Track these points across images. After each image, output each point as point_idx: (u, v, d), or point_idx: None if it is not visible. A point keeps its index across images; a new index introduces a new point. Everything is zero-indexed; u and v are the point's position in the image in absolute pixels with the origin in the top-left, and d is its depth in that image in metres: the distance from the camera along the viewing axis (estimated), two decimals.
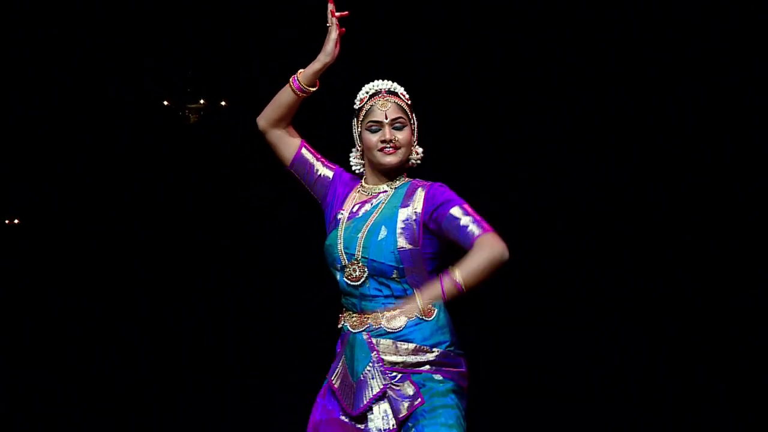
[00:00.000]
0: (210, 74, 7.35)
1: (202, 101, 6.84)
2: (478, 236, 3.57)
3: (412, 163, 3.84)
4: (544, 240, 7.39)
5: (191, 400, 7.38)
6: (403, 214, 3.68)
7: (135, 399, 7.34)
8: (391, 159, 3.74)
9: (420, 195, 3.72)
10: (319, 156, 3.96)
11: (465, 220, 3.61)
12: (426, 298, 3.59)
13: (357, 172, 3.90)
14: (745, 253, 7.21)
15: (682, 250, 7.29)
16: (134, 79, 7.29)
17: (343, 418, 3.69)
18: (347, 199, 3.83)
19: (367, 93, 3.86)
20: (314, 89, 3.87)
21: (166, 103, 6.95)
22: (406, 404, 3.60)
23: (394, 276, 3.65)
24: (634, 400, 7.28)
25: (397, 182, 3.78)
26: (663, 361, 7.28)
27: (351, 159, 3.91)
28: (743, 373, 7.18)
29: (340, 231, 3.74)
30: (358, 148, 3.88)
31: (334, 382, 3.74)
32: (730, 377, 7.20)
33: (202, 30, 7.30)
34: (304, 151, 3.96)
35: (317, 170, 3.94)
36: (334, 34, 3.86)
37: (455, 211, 3.65)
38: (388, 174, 3.79)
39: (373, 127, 3.77)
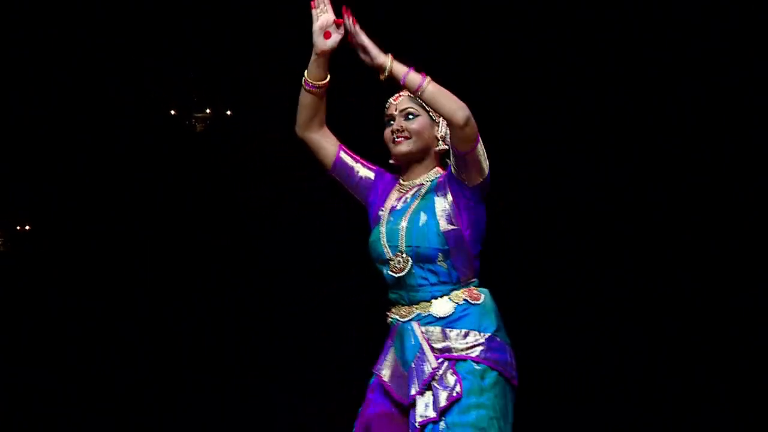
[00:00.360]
0: (211, 75, 7.35)
1: (208, 110, 6.84)
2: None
3: (439, 151, 3.88)
4: (544, 240, 7.40)
5: (191, 400, 7.38)
6: (440, 199, 3.76)
7: (135, 399, 7.34)
8: (401, 148, 3.80)
9: (445, 180, 3.79)
10: (359, 158, 3.99)
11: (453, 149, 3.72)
12: (381, 59, 3.67)
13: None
14: (745, 253, 7.22)
15: (682, 250, 7.29)
16: (134, 79, 7.29)
17: (393, 410, 3.74)
18: (388, 197, 3.88)
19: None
20: (323, 83, 3.86)
21: (173, 112, 6.97)
22: (445, 395, 3.63)
23: (439, 260, 3.71)
24: (634, 400, 7.28)
25: (433, 175, 3.84)
26: (663, 361, 7.28)
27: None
28: (743, 373, 7.19)
29: (382, 226, 3.79)
30: None
31: (383, 374, 3.76)
32: (730, 377, 7.21)
33: (202, 30, 7.31)
34: (342, 154, 3.97)
35: (358, 172, 3.96)
36: (315, 25, 3.86)
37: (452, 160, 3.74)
38: (408, 164, 3.85)
39: (388, 121, 3.86)
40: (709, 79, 7.11)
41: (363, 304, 7.18)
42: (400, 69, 3.65)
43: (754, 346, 7.18)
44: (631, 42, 7.14)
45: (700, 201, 7.23)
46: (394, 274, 3.73)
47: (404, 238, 3.73)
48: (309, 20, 7.21)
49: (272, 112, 7.44)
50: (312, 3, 3.86)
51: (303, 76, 3.86)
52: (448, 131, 3.77)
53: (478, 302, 3.75)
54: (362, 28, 3.85)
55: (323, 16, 3.86)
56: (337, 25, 3.82)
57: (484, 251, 3.97)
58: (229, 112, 7.05)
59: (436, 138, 3.87)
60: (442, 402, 3.62)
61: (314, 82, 3.84)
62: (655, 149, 7.16)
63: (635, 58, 7.19)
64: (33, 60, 7.20)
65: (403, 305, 3.75)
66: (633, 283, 7.33)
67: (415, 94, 3.64)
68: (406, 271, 3.70)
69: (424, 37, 7.20)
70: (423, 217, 3.73)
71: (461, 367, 3.66)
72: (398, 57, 3.81)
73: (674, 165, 7.14)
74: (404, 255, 3.72)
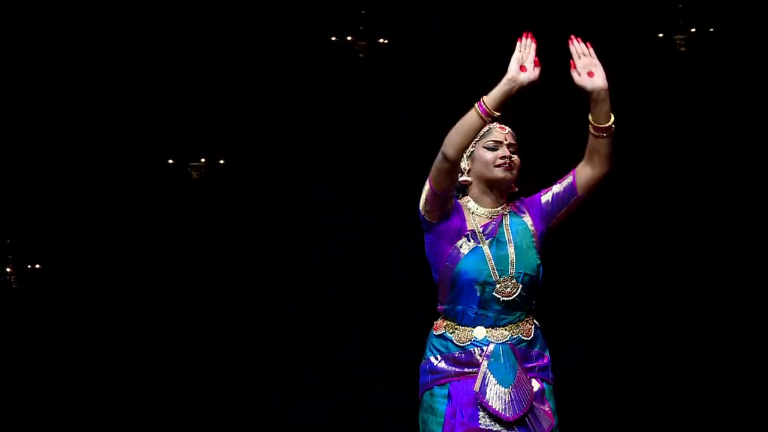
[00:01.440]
0: (211, 74, 7.35)
1: (203, 159, 7.08)
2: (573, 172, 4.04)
3: (512, 189, 4.11)
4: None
5: (192, 400, 7.38)
6: (531, 231, 4.03)
7: (135, 399, 7.34)
8: (507, 174, 4.00)
9: (525, 210, 4.07)
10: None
11: (556, 188, 4.08)
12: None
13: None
14: (750, 253, 7.20)
15: (686, 250, 7.28)
16: (134, 79, 7.29)
17: (483, 427, 3.91)
18: (466, 221, 4.01)
19: None
20: (498, 114, 3.93)
21: (170, 161, 7.07)
22: (546, 422, 3.95)
23: (535, 290, 4.01)
24: (636, 400, 7.27)
25: (507, 206, 4.06)
26: (667, 361, 7.27)
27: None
28: (748, 373, 7.18)
29: (486, 250, 3.96)
30: (464, 169, 4.05)
31: (482, 394, 3.90)
32: (734, 377, 7.19)
33: (202, 30, 7.31)
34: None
35: (455, 226, 4.04)
36: (516, 54, 3.95)
37: (545, 194, 4.08)
38: (500, 192, 4.05)
39: (492, 146, 4.01)
40: (714, 79, 7.10)
41: (364, 304, 7.19)
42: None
43: (758, 345, 7.17)
44: (632, 41, 7.13)
45: (704, 201, 7.21)
46: (501, 297, 3.93)
47: (514, 265, 3.94)
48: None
49: (272, 112, 7.45)
50: (527, 34, 3.98)
51: (479, 99, 3.91)
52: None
53: (538, 323, 4.06)
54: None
55: (526, 51, 3.96)
56: (535, 65, 3.95)
57: None
58: (221, 161, 7.14)
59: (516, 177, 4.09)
60: (549, 422, 3.96)
61: (492, 111, 3.88)
62: (655, 149, 7.15)
63: (635, 58, 7.18)
64: (33, 60, 7.21)
65: (488, 326, 3.96)
66: (636, 283, 7.32)
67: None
68: (514, 295, 3.94)
69: None
70: (527, 249, 3.98)
71: (545, 387, 4.02)
72: None
73: (677, 165, 7.13)
74: (513, 280, 3.94)
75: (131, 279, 7.39)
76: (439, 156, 3.91)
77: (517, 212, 4.05)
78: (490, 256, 3.94)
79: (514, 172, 4.03)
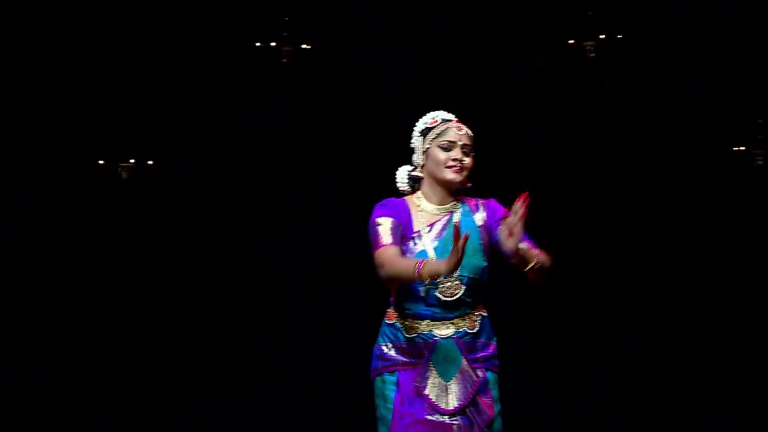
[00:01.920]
0: (211, 74, 7.35)
1: (132, 160, 7.12)
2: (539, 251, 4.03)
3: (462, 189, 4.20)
4: (543, 240, 7.37)
5: (192, 400, 7.37)
6: (480, 232, 4.10)
7: (135, 399, 7.33)
8: (455, 176, 4.09)
9: (482, 205, 4.17)
10: (388, 229, 4.10)
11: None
12: (523, 250, 3.95)
13: (402, 188, 4.20)
14: (745, 253, 7.22)
15: (682, 250, 7.29)
16: (134, 79, 7.29)
17: (429, 417, 4.01)
18: (413, 222, 4.10)
19: (436, 117, 4.18)
20: (428, 282, 4.00)
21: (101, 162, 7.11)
22: (488, 410, 4.06)
23: (482, 289, 4.10)
24: (631, 399, 7.28)
25: (458, 203, 4.15)
26: (663, 361, 7.28)
27: (400, 173, 4.21)
28: (743, 373, 7.19)
29: (430, 252, 4.03)
30: (418, 164, 4.16)
31: (422, 386, 4.03)
32: (730, 377, 7.21)
33: (202, 30, 7.31)
34: (397, 239, 4.10)
35: (395, 227, 4.10)
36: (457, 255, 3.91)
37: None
38: (449, 192, 4.13)
39: (446, 146, 4.09)
40: (709, 79, 7.12)
41: (363, 304, 7.17)
42: (535, 258, 4.04)
43: (754, 346, 7.19)
44: (632, 41, 7.15)
45: (700, 201, 7.23)
46: (443, 297, 4.02)
47: (459, 268, 3.96)
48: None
49: (272, 112, 7.45)
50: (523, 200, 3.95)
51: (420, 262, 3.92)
52: None
53: (486, 314, 4.15)
54: None
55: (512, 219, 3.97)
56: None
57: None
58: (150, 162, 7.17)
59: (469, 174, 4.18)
60: (491, 412, 4.06)
61: (426, 278, 3.92)
62: (655, 149, 7.16)
63: (635, 58, 7.19)
64: (33, 60, 7.20)
65: (436, 321, 4.05)
66: (633, 283, 7.33)
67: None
68: (457, 296, 4.05)
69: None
70: (472, 250, 4.01)
71: (489, 376, 4.11)
72: None
73: (674, 165, 7.14)
74: (456, 282, 4.03)
75: (131, 279, 7.39)
76: (379, 272, 4.02)
77: (472, 211, 4.15)
78: (434, 258, 3.99)
79: (464, 173, 4.11)
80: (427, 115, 4.21)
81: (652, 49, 7.16)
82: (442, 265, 3.85)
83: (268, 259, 7.36)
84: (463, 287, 4.04)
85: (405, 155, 7.05)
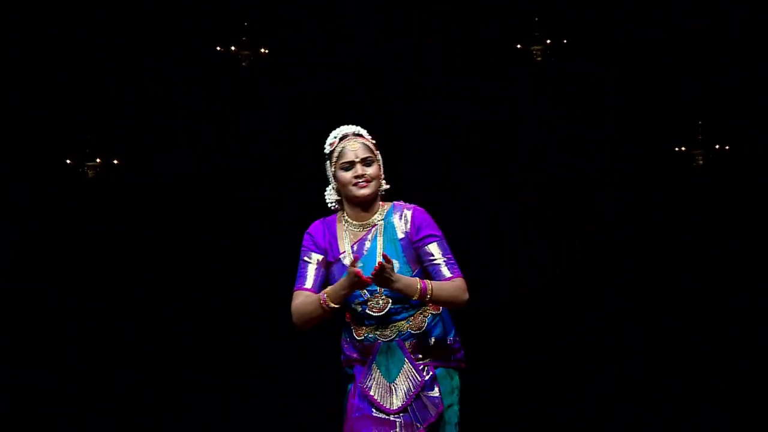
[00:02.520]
0: (211, 73, 7.34)
1: (98, 160, 7.12)
2: (450, 278, 4.17)
3: (381, 194, 4.31)
4: (543, 239, 7.39)
5: (191, 400, 7.37)
6: (403, 243, 4.20)
7: (135, 399, 7.33)
8: (364, 191, 4.21)
9: (408, 216, 4.25)
10: (309, 267, 4.30)
11: (439, 260, 4.20)
12: (403, 284, 4.09)
13: (331, 206, 4.35)
14: (745, 253, 7.22)
15: (682, 250, 7.29)
16: (134, 79, 7.29)
17: (375, 414, 4.15)
18: (339, 242, 4.26)
19: (336, 137, 4.29)
20: (338, 306, 4.17)
21: (68, 161, 7.10)
22: (433, 408, 4.16)
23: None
24: (634, 400, 7.28)
25: (382, 212, 4.27)
26: (663, 361, 7.28)
27: (326, 194, 4.35)
28: (743, 373, 7.19)
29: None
30: (333, 185, 4.31)
31: (367, 386, 4.18)
32: (730, 377, 7.21)
33: (202, 30, 7.31)
34: (319, 283, 4.28)
35: (323, 265, 4.29)
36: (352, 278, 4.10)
37: (433, 248, 4.21)
38: (365, 205, 4.25)
39: (347, 166, 4.22)
40: (709, 79, 7.12)
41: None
42: (411, 288, 4.11)
43: (754, 346, 7.19)
44: (633, 42, 7.15)
45: (700, 201, 7.23)
46: (373, 313, 4.16)
47: None
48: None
49: (272, 111, 7.45)
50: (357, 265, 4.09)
51: (323, 295, 4.15)
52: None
53: (439, 311, 4.24)
54: None
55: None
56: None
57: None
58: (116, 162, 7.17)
59: (383, 184, 4.30)
60: (435, 409, 4.16)
61: (334, 306, 4.15)
62: (655, 149, 7.16)
63: (635, 58, 7.19)
64: (33, 60, 7.20)
65: (380, 327, 4.19)
66: (633, 283, 7.33)
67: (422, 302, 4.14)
68: (386, 310, 4.17)
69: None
70: (396, 265, 4.13)
71: (437, 371, 4.21)
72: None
73: (675, 165, 7.13)
74: (383, 296, 4.17)
75: (131, 279, 7.39)
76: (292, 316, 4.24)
77: (397, 221, 4.25)
78: (342, 282, 4.12)
79: (373, 183, 4.23)
80: (330, 136, 4.33)
81: (650, 49, 7.16)
82: (342, 286, 4.09)
83: (269, 259, 7.36)
84: (390, 300, 4.15)
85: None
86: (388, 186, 4.30)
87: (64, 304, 7.29)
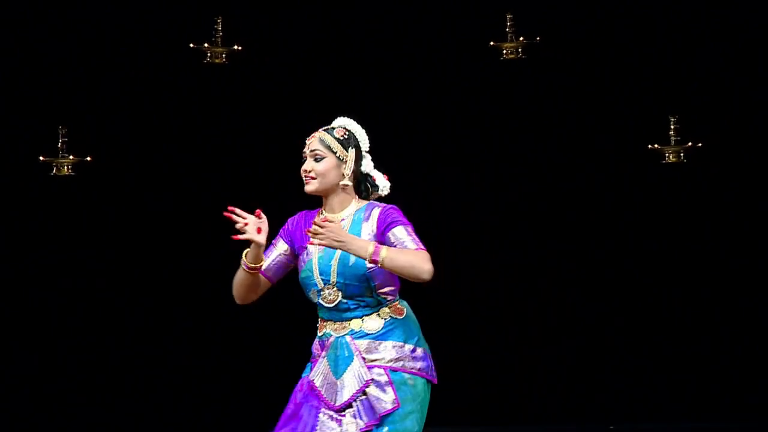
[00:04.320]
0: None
1: (71, 157, 7.12)
2: (414, 249, 4.09)
3: (344, 186, 4.24)
4: (541, 239, 7.40)
5: (191, 400, 7.38)
6: (365, 236, 4.14)
7: (135, 399, 7.35)
8: (308, 187, 4.19)
9: (375, 215, 4.19)
10: (272, 247, 4.27)
11: (404, 239, 4.11)
12: (353, 245, 4.01)
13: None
14: (745, 253, 7.22)
15: (681, 250, 7.29)
16: (134, 78, 7.32)
17: (323, 409, 4.12)
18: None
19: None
20: (258, 265, 4.17)
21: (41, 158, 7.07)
22: (386, 403, 4.09)
23: (366, 294, 4.14)
24: (634, 400, 7.29)
25: (356, 207, 4.23)
26: (662, 363, 7.29)
27: None
28: (743, 374, 7.19)
29: (314, 260, 4.16)
30: None
31: (315, 380, 4.16)
32: (729, 378, 7.21)
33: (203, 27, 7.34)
34: (272, 269, 4.26)
35: (286, 254, 4.27)
36: (248, 229, 4.11)
37: (398, 230, 4.14)
38: (332, 198, 4.22)
39: (303, 160, 4.22)
40: (709, 80, 7.13)
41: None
42: (359, 248, 4.04)
43: (754, 346, 7.19)
44: (635, 43, 7.16)
45: (700, 205, 7.22)
46: (325, 304, 4.15)
47: (335, 274, 4.13)
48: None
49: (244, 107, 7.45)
50: (228, 215, 4.11)
51: (242, 257, 4.14)
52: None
53: (401, 317, 4.19)
54: None
55: (248, 222, 4.12)
56: (259, 217, 4.13)
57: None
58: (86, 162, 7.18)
59: (343, 175, 4.22)
60: (386, 407, 4.08)
61: (253, 265, 4.15)
62: (654, 149, 7.16)
63: (636, 59, 7.20)
64: (34, 60, 7.24)
65: (336, 322, 4.17)
66: (632, 283, 7.34)
67: (377, 264, 4.05)
68: (336, 302, 4.14)
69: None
70: (352, 258, 4.10)
71: (395, 376, 4.13)
72: None
73: (674, 165, 7.12)
74: (335, 288, 4.14)
75: (131, 278, 7.41)
76: None
77: (364, 218, 4.20)
78: (316, 267, 4.15)
79: (319, 179, 4.18)
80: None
81: (657, 48, 7.17)
82: (251, 249, 4.10)
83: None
84: (340, 293, 4.13)
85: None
86: (349, 183, 4.21)
87: (63, 302, 7.33)
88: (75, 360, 7.29)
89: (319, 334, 4.22)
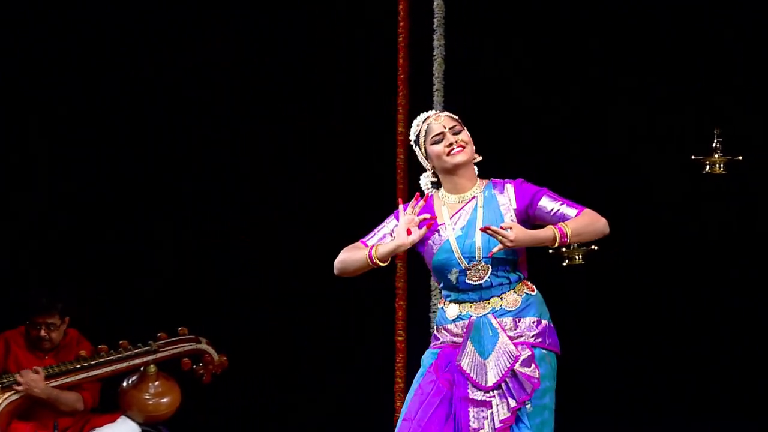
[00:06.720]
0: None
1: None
2: (579, 213, 4.16)
3: (476, 163, 4.33)
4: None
5: (192, 400, 7.36)
6: (505, 212, 4.21)
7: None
8: (461, 156, 4.24)
9: (510, 191, 4.25)
10: (382, 228, 4.34)
11: (557, 207, 4.19)
12: (531, 237, 4.11)
13: (429, 192, 4.38)
14: (744, 253, 7.22)
15: (681, 251, 7.29)
16: (134, 78, 7.32)
17: (472, 395, 4.14)
18: (437, 216, 4.26)
19: (418, 122, 4.37)
20: (385, 264, 4.24)
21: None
22: (530, 384, 4.13)
23: (511, 268, 4.20)
24: (635, 403, 7.29)
25: (480, 185, 4.29)
26: (662, 363, 7.29)
27: (423, 180, 4.39)
28: (743, 377, 7.20)
29: (453, 241, 4.20)
30: (429, 168, 4.35)
31: (462, 363, 4.17)
32: (729, 378, 7.21)
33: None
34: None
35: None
36: (401, 220, 4.23)
37: (545, 201, 4.21)
38: (463, 175, 4.27)
39: (437, 139, 4.26)
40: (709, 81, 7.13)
41: (362, 302, 7.18)
42: (545, 237, 4.13)
43: (753, 346, 7.19)
44: (639, 44, 7.16)
45: (701, 205, 7.22)
46: (472, 282, 4.18)
47: (481, 250, 4.17)
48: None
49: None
50: (401, 201, 4.27)
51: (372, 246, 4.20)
52: None
53: (534, 293, 4.26)
54: None
55: (408, 216, 4.23)
56: (420, 226, 4.22)
57: None
58: None
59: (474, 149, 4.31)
60: (535, 382, 4.12)
61: (379, 262, 4.21)
62: (655, 150, 7.16)
63: (637, 59, 7.21)
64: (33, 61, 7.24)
65: (475, 302, 4.21)
66: (632, 284, 7.34)
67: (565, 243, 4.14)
68: (485, 279, 4.18)
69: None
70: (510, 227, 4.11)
71: (537, 352, 4.17)
72: None
73: (675, 165, 7.13)
74: (482, 264, 4.17)
75: (130, 278, 7.39)
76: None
77: (496, 193, 4.26)
78: (457, 247, 4.19)
79: (468, 148, 4.26)
80: (413, 125, 4.41)
81: (662, 49, 7.17)
82: (391, 245, 4.16)
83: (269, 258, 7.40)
84: (489, 268, 4.17)
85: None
86: (480, 158, 4.31)
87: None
88: None
89: (449, 317, 4.25)
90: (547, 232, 4.11)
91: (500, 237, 4.07)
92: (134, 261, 7.37)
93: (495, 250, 4.10)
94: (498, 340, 4.15)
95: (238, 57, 7.38)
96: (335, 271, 4.28)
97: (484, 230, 4.09)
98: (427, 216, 4.25)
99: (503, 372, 4.13)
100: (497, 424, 4.11)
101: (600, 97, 7.17)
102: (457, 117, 4.34)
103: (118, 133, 7.35)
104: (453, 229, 4.21)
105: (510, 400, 4.11)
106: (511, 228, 4.07)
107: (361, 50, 7.23)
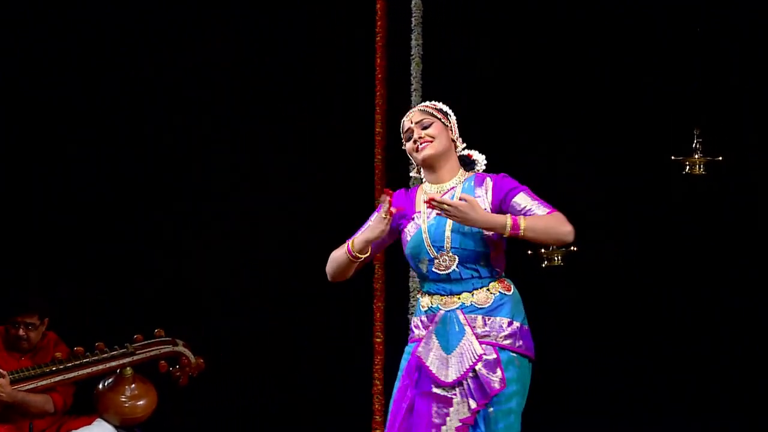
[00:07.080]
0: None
1: None
2: (548, 214, 4.04)
3: (465, 154, 4.29)
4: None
5: (192, 400, 7.36)
6: (480, 203, 4.10)
7: None
8: (426, 151, 4.20)
9: (489, 185, 4.17)
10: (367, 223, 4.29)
11: (529, 205, 4.07)
12: (483, 217, 4.01)
13: (414, 184, 4.45)
14: (744, 254, 7.22)
15: (680, 252, 7.29)
16: (134, 77, 7.32)
17: (435, 390, 4.08)
18: (416, 205, 4.24)
19: (405, 119, 4.32)
20: (366, 256, 4.18)
21: None
22: (494, 383, 4.04)
23: (482, 262, 4.09)
24: (635, 403, 7.30)
25: (462, 177, 4.23)
26: (662, 363, 7.29)
27: (411, 176, 4.51)
28: (742, 377, 7.20)
29: (424, 228, 4.15)
30: (412, 166, 4.36)
31: (423, 356, 4.11)
32: (729, 378, 7.21)
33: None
34: (373, 246, 4.23)
35: (399, 219, 4.27)
36: (381, 214, 4.16)
37: (520, 197, 4.10)
38: (437, 167, 4.21)
39: (407, 135, 4.24)
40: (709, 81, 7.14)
41: (361, 302, 7.17)
42: (496, 223, 4.03)
43: (753, 348, 7.19)
44: (642, 45, 7.16)
45: (701, 207, 7.22)
46: (439, 272, 4.11)
47: (450, 239, 4.10)
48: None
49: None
50: (388, 197, 4.13)
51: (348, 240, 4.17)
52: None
53: (509, 293, 4.15)
54: None
55: (384, 209, 4.15)
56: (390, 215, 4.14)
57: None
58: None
59: (453, 141, 4.25)
60: (495, 387, 4.03)
61: (358, 254, 4.15)
62: (653, 151, 7.16)
63: (638, 61, 7.21)
64: (34, 61, 7.23)
65: (444, 296, 4.13)
66: (632, 285, 7.34)
67: (518, 236, 4.01)
68: (451, 269, 4.09)
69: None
70: (475, 202, 4.05)
71: (503, 355, 4.06)
72: None
73: (674, 166, 7.13)
74: (450, 254, 4.09)
75: (130, 278, 7.38)
76: None
77: (474, 185, 4.20)
78: (427, 236, 4.13)
79: (435, 143, 4.20)
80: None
81: (667, 50, 7.17)
82: (365, 233, 4.12)
83: (269, 258, 7.39)
84: (456, 258, 4.10)
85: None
86: (464, 146, 4.28)
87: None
88: None
89: (422, 309, 4.19)
90: (500, 218, 4.01)
91: (445, 206, 3.98)
92: (134, 261, 7.36)
93: (438, 205, 4.00)
94: (463, 337, 4.08)
95: (238, 57, 7.37)
96: (328, 278, 4.25)
97: (428, 202, 4.03)
98: (402, 208, 4.21)
99: (464, 370, 4.06)
100: (456, 423, 4.05)
101: (595, 96, 7.17)
102: (433, 108, 4.27)
103: (118, 133, 7.34)
104: (428, 217, 4.16)
105: (470, 400, 4.05)
106: (466, 201, 3.99)
107: (361, 50, 7.22)
